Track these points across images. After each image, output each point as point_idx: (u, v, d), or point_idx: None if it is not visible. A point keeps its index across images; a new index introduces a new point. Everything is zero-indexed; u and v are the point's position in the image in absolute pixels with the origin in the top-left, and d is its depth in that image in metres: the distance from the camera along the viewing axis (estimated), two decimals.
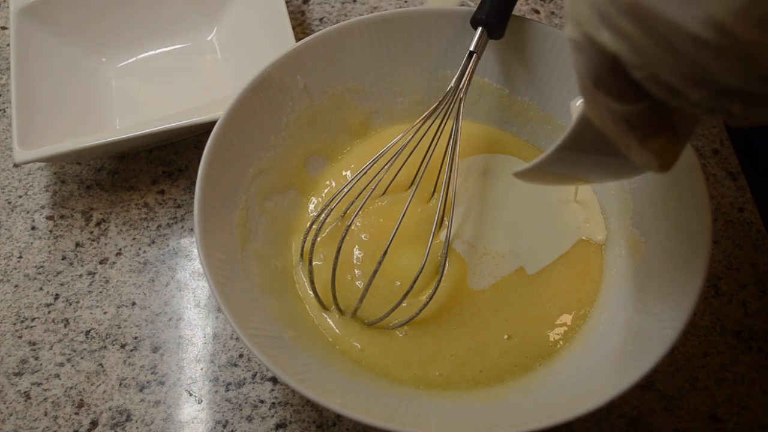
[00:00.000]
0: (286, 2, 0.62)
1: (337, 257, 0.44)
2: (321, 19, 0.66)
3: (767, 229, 0.53)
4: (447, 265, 0.47)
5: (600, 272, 0.48)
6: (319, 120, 0.52)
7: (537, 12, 0.65)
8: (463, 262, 0.48)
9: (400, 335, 0.45)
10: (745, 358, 0.48)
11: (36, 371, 0.48)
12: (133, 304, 0.51)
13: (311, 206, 0.51)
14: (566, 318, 0.46)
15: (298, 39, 0.58)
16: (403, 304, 0.44)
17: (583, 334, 0.45)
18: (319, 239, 0.48)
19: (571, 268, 0.48)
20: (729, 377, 0.47)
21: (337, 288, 0.45)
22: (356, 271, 0.48)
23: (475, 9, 0.48)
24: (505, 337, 0.45)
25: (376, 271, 0.43)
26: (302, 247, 0.48)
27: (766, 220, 0.54)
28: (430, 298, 0.45)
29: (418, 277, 0.43)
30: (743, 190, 0.55)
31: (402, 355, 0.45)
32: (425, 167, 0.49)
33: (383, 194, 0.51)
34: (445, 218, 0.49)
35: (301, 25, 0.66)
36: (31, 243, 0.54)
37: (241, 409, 0.47)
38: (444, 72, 0.53)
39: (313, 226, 0.48)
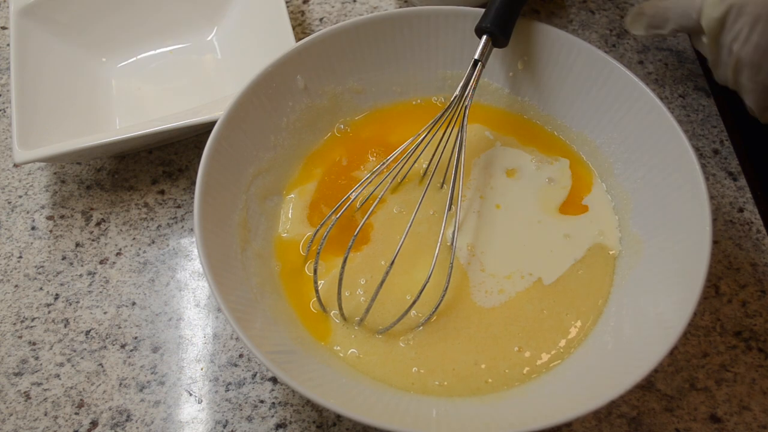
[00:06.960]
0: (286, 2, 0.62)
1: (343, 268, 0.43)
2: (321, 19, 0.66)
3: (767, 229, 0.53)
4: (451, 277, 0.46)
5: (611, 275, 0.47)
6: (319, 120, 0.52)
7: (537, 12, 0.65)
8: (465, 276, 0.47)
9: (402, 345, 0.45)
10: (745, 358, 0.48)
11: (36, 371, 0.48)
12: (133, 304, 0.51)
13: (311, 207, 0.51)
14: (580, 323, 0.45)
15: (298, 39, 0.58)
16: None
17: (587, 336, 0.45)
18: (321, 243, 0.48)
19: (588, 272, 0.47)
20: (729, 377, 0.47)
21: (341, 296, 0.45)
22: (361, 280, 0.47)
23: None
24: (516, 349, 0.44)
25: (382, 282, 0.42)
26: (307, 249, 0.48)
27: (766, 220, 0.54)
28: (435, 310, 0.44)
29: (423, 288, 0.43)
30: (743, 190, 0.55)
31: (401, 365, 0.44)
32: (432, 176, 0.49)
33: (391, 195, 0.51)
34: (452, 228, 0.47)
35: (301, 25, 0.66)
36: (31, 243, 0.54)
37: (241, 409, 0.47)
38: (444, 72, 0.53)
39: (319, 231, 0.48)
